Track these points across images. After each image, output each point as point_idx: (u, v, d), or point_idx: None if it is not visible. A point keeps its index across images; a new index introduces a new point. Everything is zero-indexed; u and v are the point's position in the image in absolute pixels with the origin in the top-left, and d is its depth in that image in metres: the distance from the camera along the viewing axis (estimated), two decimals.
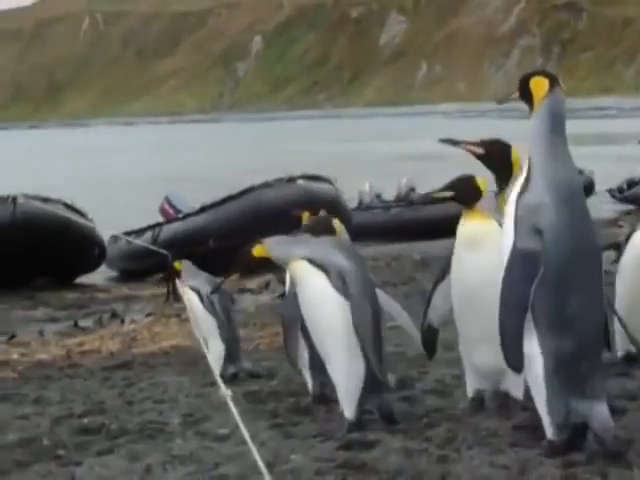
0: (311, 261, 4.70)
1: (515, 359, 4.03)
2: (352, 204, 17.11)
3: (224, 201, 14.91)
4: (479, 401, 4.80)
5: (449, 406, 4.92)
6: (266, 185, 14.78)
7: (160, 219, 15.93)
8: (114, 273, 15.62)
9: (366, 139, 56.19)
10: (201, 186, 22.38)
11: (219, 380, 4.51)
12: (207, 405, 5.63)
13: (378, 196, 19.42)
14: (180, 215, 15.58)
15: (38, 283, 14.16)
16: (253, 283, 12.15)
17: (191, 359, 7.63)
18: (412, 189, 18.94)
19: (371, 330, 4.63)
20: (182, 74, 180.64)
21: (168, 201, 16.62)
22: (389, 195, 19.36)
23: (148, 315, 10.50)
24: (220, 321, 6.59)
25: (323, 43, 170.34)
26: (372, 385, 4.65)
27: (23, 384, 7.07)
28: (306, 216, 6.86)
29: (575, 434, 4.02)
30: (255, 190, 14.72)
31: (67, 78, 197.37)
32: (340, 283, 4.64)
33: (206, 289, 6.56)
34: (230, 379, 6.26)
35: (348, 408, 4.67)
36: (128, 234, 15.38)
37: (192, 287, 6.67)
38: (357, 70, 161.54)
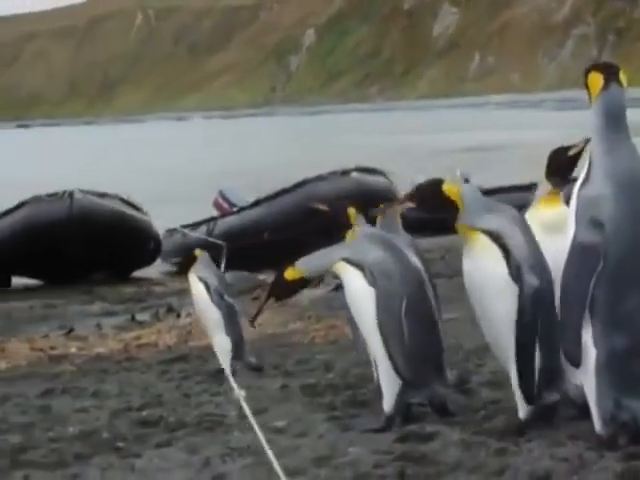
0: (348, 260, 4.73)
1: (574, 353, 4.00)
2: None
3: (278, 195, 14.95)
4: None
5: (506, 398, 4.88)
6: (320, 178, 14.80)
7: (214, 213, 16.02)
8: (170, 267, 15.73)
9: (419, 132, 56.02)
10: (255, 180, 22.46)
11: (232, 381, 4.51)
12: (264, 397, 5.64)
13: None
14: (234, 209, 15.66)
15: (95, 278, 14.30)
16: None
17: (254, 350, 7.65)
18: (466, 180, 18.83)
19: (398, 325, 4.62)
20: (234, 69, 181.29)
21: (222, 195, 16.72)
22: None
23: None
24: (225, 316, 6.54)
25: (375, 35, 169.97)
26: (418, 377, 4.66)
27: (81, 377, 7.13)
28: (353, 212, 6.80)
29: (625, 430, 3.98)
30: (309, 183, 14.75)
31: (120, 74, 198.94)
32: (372, 279, 4.67)
33: (215, 282, 6.55)
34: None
35: (386, 401, 4.69)
36: (183, 228, 15.49)
37: (201, 278, 6.60)
38: (409, 62, 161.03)
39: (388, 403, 4.67)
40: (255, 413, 5.30)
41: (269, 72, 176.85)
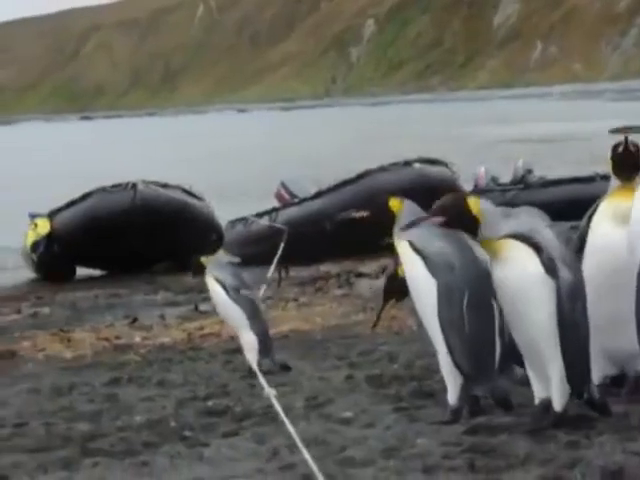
0: (412, 244, 4.69)
1: None
2: (468, 187, 16.96)
3: (340, 186, 14.91)
4: (606, 386, 4.70)
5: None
6: (382, 169, 14.74)
7: (276, 204, 16.03)
8: (231, 258, 15.75)
9: (480, 122, 55.64)
10: (316, 171, 22.45)
11: (263, 380, 4.50)
12: (329, 388, 5.64)
13: (494, 179, 19.19)
14: (296, 200, 15.65)
15: (158, 268, 14.38)
16: (369, 267, 12.15)
17: (310, 343, 7.67)
18: (529, 171, 18.65)
19: (459, 318, 4.56)
20: (295, 60, 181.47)
21: (284, 186, 16.71)
22: (505, 178, 19.13)
23: (266, 299, 10.56)
24: (248, 312, 6.47)
25: (436, 25, 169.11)
26: (479, 371, 4.60)
27: (146, 367, 7.18)
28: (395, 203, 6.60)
29: None
30: (371, 174, 14.69)
31: (182, 65, 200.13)
32: (434, 269, 4.63)
33: (231, 281, 6.51)
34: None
35: (451, 393, 4.67)
36: (244, 220, 15.52)
37: (217, 278, 6.55)
38: (471, 52, 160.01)
39: (452, 395, 4.64)
40: (321, 404, 5.32)
41: (330, 63, 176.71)
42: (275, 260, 10.87)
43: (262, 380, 4.50)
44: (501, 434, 4.23)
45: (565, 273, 4.25)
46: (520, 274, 4.29)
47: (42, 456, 4.71)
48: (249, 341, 6.43)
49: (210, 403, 5.61)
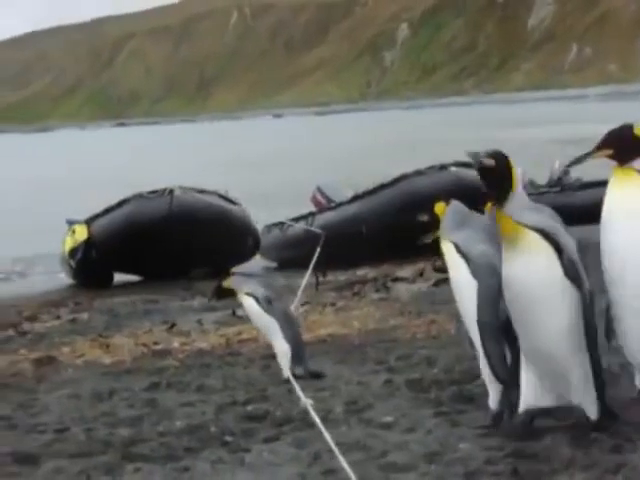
0: (456, 246, 4.68)
1: None
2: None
3: (376, 190, 14.89)
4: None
5: (617, 395, 4.78)
6: (418, 173, 14.70)
7: (312, 209, 16.02)
8: (268, 262, 15.79)
9: (515, 124, 55.36)
10: (351, 175, 22.42)
11: (299, 390, 4.48)
12: (369, 393, 5.62)
13: (531, 182, 19.08)
14: (332, 204, 15.64)
15: (195, 273, 14.41)
16: (407, 271, 12.12)
17: (348, 347, 7.65)
18: (566, 173, 18.51)
19: (497, 323, 4.50)
20: (329, 64, 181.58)
21: (320, 191, 16.71)
22: (542, 181, 19.02)
23: (304, 304, 10.56)
24: (280, 321, 6.53)
25: (470, 29, 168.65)
26: (516, 376, 4.53)
27: (185, 372, 7.18)
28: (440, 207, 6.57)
29: None
30: (407, 178, 14.65)
31: (217, 72, 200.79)
32: (476, 272, 4.60)
33: (261, 291, 6.56)
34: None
35: (492, 398, 4.64)
36: (281, 224, 15.54)
37: (248, 293, 6.62)
38: (505, 55, 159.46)
39: (493, 400, 4.60)
40: (361, 409, 5.31)
41: (364, 67, 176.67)
42: (312, 264, 10.85)
43: (298, 390, 4.49)
44: (544, 439, 4.20)
45: (585, 278, 4.17)
46: (542, 278, 4.17)
47: (84, 461, 4.73)
48: (282, 350, 6.48)
49: (250, 408, 5.61)
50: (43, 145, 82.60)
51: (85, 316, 11.08)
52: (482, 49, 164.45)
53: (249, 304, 6.61)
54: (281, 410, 5.41)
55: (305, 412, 5.24)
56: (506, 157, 4.32)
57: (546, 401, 4.29)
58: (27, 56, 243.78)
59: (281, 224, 15.53)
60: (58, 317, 11.16)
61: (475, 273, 4.60)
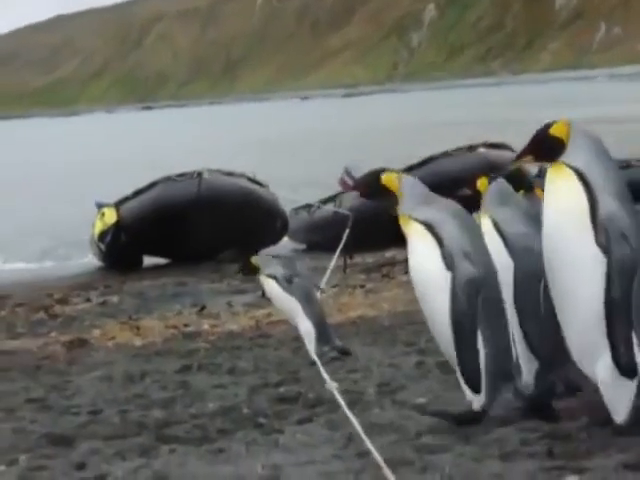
0: (495, 224, 4.61)
1: None
2: (532, 171, 16.78)
3: (405, 171, 14.85)
4: None
5: None
6: (446, 154, 14.65)
7: (340, 191, 16.00)
8: (296, 245, 15.81)
9: (544, 105, 55.07)
10: (379, 157, 22.38)
11: (324, 372, 4.47)
12: (401, 374, 5.62)
13: None
14: None
15: (223, 256, 14.44)
16: None
17: (378, 329, 7.65)
18: None
19: (535, 303, 4.44)
20: (356, 46, 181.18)
21: (347, 172, 16.68)
22: None
23: (333, 286, 10.56)
24: (303, 302, 6.47)
25: (497, 8, 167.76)
26: (554, 357, 4.47)
27: (216, 354, 7.21)
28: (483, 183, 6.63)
29: None
30: (436, 160, 14.61)
31: (243, 54, 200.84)
32: (513, 252, 4.56)
33: (282, 272, 6.51)
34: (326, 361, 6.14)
35: (526, 379, 4.56)
36: (309, 206, 15.53)
37: (269, 274, 6.57)
38: (533, 35, 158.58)
39: (528, 381, 4.58)
40: (394, 390, 5.31)
41: (391, 48, 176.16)
42: (340, 246, 10.83)
43: (323, 372, 4.49)
44: (580, 419, 4.18)
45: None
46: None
47: (118, 443, 4.76)
48: (306, 329, 6.46)
49: (282, 390, 5.63)
50: (71, 129, 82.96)
51: (115, 299, 11.14)
52: (509, 29, 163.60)
53: (270, 285, 6.59)
54: (313, 392, 5.42)
55: (339, 393, 5.25)
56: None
57: None
58: (54, 40, 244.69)
59: (309, 206, 15.52)
60: (88, 300, 11.23)
61: (513, 253, 4.56)
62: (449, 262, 4.34)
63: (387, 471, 3.43)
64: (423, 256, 4.40)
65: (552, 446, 3.91)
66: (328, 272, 8.72)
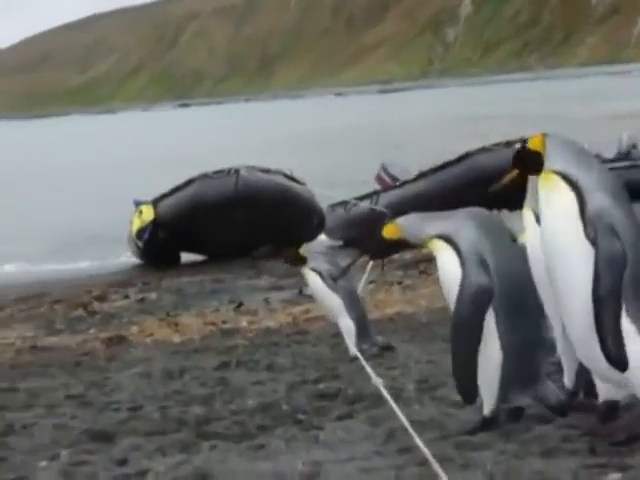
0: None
1: None
2: None
3: (441, 168, 14.82)
4: None
5: None
6: (483, 150, 14.60)
7: (377, 187, 16.00)
8: (333, 241, 15.79)
9: (581, 99, 54.73)
10: (416, 153, 22.33)
11: (368, 368, 4.44)
12: (440, 371, 5.60)
13: (597, 156, 18.83)
14: (397, 183, 15.59)
15: (260, 253, 14.47)
16: None
17: (415, 326, 7.63)
18: (634, 146, 18.24)
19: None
20: (391, 42, 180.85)
21: (384, 169, 16.67)
22: (609, 155, 18.76)
23: (371, 283, 10.54)
24: (345, 299, 6.49)
25: (534, 3, 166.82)
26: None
27: (254, 351, 7.22)
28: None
29: None
30: (472, 156, 14.56)
31: (279, 51, 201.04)
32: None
33: (326, 268, 6.52)
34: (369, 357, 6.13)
35: (567, 376, 4.50)
36: (345, 203, 15.53)
37: (313, 268, 6.60)
38: (569, 29, 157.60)
39: (569, 378, 4.53)
40: (433, 387, 5.30)
41: (426, 44, 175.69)
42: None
43: (368, 368, 4.48)
44: (622, 416, 4.14)
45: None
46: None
47: (159, 439, 4.78)
48: (347, 326, 6.47)
49: (321, 386, 5.64)
50: (107, 127, 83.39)
51: (153, 296, 11.18)
52: (546, 23, 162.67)
53: (313, 280, 6.60)
54: (352, 388, 5.42)
55: (377, 389, 5.24)
56: None
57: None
58: (90, 39, 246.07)
59: (345, 203, 15.51)
60: (127, 297, 11.28)
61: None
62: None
63: (436, 466, 3.42)
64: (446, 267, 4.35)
65: (593, 443, 3.89)
66: (368, 268, 8.70)
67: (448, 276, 4.37)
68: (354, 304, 6.55)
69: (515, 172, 4.30)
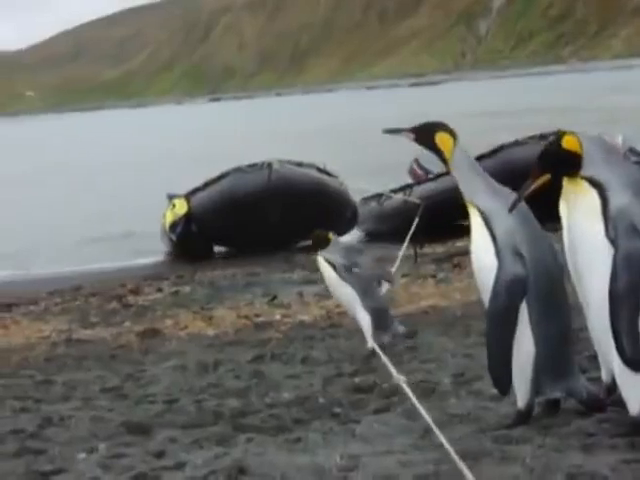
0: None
1: None
2: None
3: (476, 160, 14.76)
4: None
5: None
6: (517, 143, 14.53)
7: (410, 180, 15.97)
8: (365, 234, 15.79)
9: (615, 91, 54.36)
10: None
11: (390, 366, 4.40)
12: (476, 365, 5.57)
13: (632, 149, 18.71)
14: (430, 176, 15.55)
15: (294, 246, 14.47)
16: None
17: (450, 319, 7.60)
18: (630, 149, 18.08)
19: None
20: (423, 35, 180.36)
21: (417, 162, 16.64)
22: None
23: (404, 276, 10.53)
24: (359, 290, 6.41)
25: None
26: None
27: (288, 344, 7.22)
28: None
29: None
30: (506, 148, 14.50)
31: (310, 45, 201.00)
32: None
33: (340, 260, 6.45)
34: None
35: (604, 370, 4.37)
36: (379, 196, 15.51)
37: (326, 259, 6.54)
38: (603, 21, 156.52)
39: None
40: (469, 381, 5.28)
41: (458, 37, 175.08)
42: (408, 236, 10.76)
43: (387, 362, 4.45)
44: None
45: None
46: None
47: (196, 432, 4.79)
48: (363, 319, 6.42)
49: (357, 380, 5.63)
50: (141, 121, 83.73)
51: (187, 289, 11.20)
52: (580, 15, 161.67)
53: (326, 270, 6.56)
54: (388, 382, 5.40)
55: (413, 383, 5.23)
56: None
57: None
58: (123, 33, 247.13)
59: (378, 196, 15.49)
60: (160, 290, 11.31)
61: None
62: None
63: (463, 466, 3.40)
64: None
65: (635, 438, 3.86)
66: (398, 261, 8.67)
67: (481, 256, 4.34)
68: (369, 295, 6.47)
69: (547, 178, 4.12)
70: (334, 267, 6.51)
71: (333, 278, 6.54)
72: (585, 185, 4.00)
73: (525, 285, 4.24)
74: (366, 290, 6.47)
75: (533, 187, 4.14)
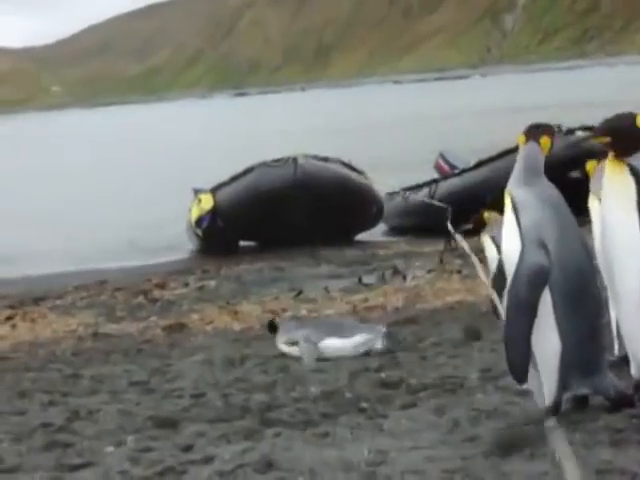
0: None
1: None
2: None
3: (501, 156, 14.69)
4: None
5: None
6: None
7: (435, 175, 15.93)
8: (391, 230, 15.76)
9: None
10: (473, 139, 22.19)
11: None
12: (503, 360, 5.54)
13: None
14: (456, 171, 15.50)
15: (320, 241, 14.45)
16: None
17: (476, 314, 7.58)
18: None
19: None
20: (448, 30, 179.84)
21: (443, 157, 16.60)
22: None
23: (430, 271, 10.51)
24: None
25: None
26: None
27: None
28: (592, 165, 6.46)
29: None
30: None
31: (335, 39, 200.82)
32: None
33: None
34: None
35: (633, 364, 4.36)
36: (404, 190, 15.48)
37: (494, 239, 6.32)
38: (629, 16, 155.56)
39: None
40: (496, 376, 5.27)
41: (484, 32, 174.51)
42: (452, 234, 10.69)
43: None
44: None
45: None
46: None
47: (223, 426, 4.80)
48: None
49: (383, 375, 5.62)
50: (166, 116, 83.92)
51: (213, 284, 11.21)
52: (606, 10, 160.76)
53: (490, 248, 6.39)
54: (414, 377, 5.40)
55: (441, 378, 5.23)
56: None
57: None
58: (148, 28, 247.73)
59: (404, 191, 15.45)
60: (186, 285, 11.31)
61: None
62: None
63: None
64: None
65: None
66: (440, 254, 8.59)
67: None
68: None
69: (606, 140, 4.12)
70: (498, 248, 6.39)
71: (495, 255, 6.39)
72: (626, 171, 3.98)
73: (546, 276, 4.22)
74: None
75: (596, 141, 4.18)
